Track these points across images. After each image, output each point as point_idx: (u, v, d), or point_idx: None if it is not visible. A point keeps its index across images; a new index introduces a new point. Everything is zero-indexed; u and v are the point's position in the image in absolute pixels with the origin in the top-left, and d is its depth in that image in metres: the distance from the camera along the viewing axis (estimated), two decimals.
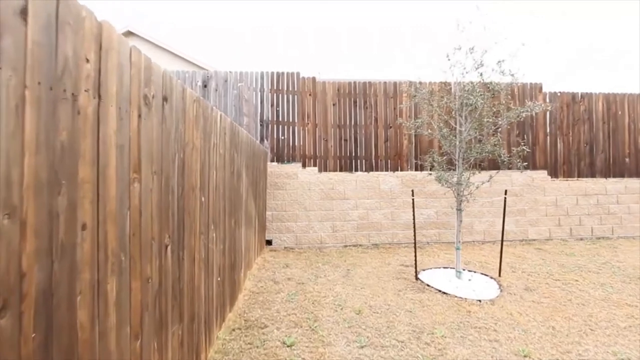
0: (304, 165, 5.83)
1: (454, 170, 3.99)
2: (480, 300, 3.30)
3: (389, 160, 6.08)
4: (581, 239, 6.36)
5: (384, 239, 5.81)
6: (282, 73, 5.91)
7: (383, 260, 4.76)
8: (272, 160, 5.79)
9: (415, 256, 4.03)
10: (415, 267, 3.99)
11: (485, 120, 3.72)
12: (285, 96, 5.90)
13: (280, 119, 5.87)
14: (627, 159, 6.83)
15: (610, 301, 3.36)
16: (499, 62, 3.64)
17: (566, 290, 3.66)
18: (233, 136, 2.90)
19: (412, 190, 4.11)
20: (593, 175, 6.71)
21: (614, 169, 6.78)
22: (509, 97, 5.58)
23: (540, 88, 6.44)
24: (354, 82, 6.05)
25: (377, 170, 6.02)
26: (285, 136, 5.89)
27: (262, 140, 5.80)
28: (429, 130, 4.11)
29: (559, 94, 6.40)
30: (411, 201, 5.94)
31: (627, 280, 4.00)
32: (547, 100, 6.46)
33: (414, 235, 4.07)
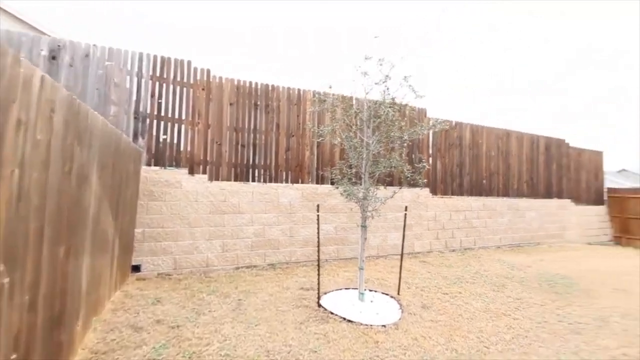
0: (191, 172, 4.87)
1: (360, 184, 3.79)
2: (385, 326, 3.06)
3: (289, 171, 5.64)
4: (453, 251, 7.15)
5: (281, 257, 5.27)
6: (169, 59, 4.87)
7: (281, 284, 4.20)
8: (148, 164, 4.63)
9: (319, 280, 3.61)
10: (318, 292, 3.57)
11: (392, 134, 3.63)
12: (171, 87, 4.87)
13: (164, 113, 4.79)
14: (484, 181, 8.11)
15: (490, 312, 3.59)
16: (405, 77, 3.62)
17: (455, 304, 3.80)
18: (73, 119, 1.94)
19: (318, 205, 3.72)
20: (462, 194, 7.71)
21: (476, 189, 7.95)
22: (404, 117, 5.89)
23: (425, 113, 7.10)
24: (256, 83, 5.46)
25: (276, 181, 5.50)
26: (169, 135, 4.83)
27: (135, 137, 4.60)
28: (338, 139, 3.83)
29: (438, 122, 7.14)
30: (311, 216, 5.64)
31: (496, 289, 4.46)
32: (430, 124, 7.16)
33: (318, 254, 3.66)
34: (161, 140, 4.77)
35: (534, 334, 3.05)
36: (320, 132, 3.88)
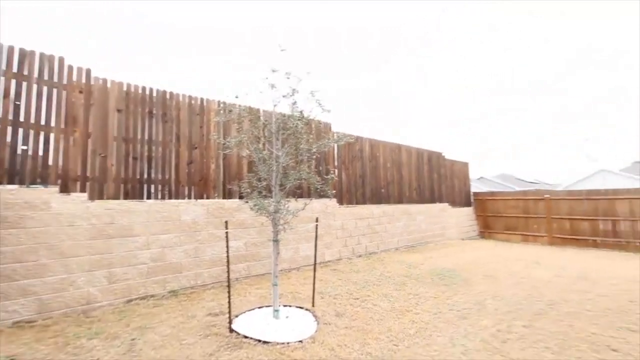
0: (64, 190, 4.00)
1: (270, 197, 3.69)
2: (301, 341, 2.99)
3: (192, 186, 5.17)
4: (360, 256, 7.60)
5: (184, 282, 4.73)
6: (32, 52, 3.98)
7: (185, 313, 3.74)
8: None
9: (230, 301, 3.33)
10: (230, 315, 3.29)
11: (301, 146, 3.67)
12: (35, 87, 3.96)
13: (23, 119, 3.85)
14: (383, 190, 8.93)
15: (395, 310, 3.88)
16: (312, 92, 3.72)
17: (365, 307, 3.99)
18: None
19: (226, 222, 3.46)
20: (365, 202, 8.32)
21: (376, 197, 8.69)
22: (312, 130, 6.05)
23: (330, 127, 7.47)
24: (150, 89, 4.88)
25: (177, 197, 4.97)
26: (32, 146, 3.89)
27: None
28: (247, 151, 3.67)
29: (343, 135, 7.57)
30: (218, 233, 5.24)
31: (398, 288, 4.87)
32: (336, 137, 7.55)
33: (228, 274, 3.39)
34: (19, 151, 3.81)
35: (433, 325, 3.40)
36: (227, 143, 3.67)
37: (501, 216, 12.09)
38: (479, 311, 3.82)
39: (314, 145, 3.79)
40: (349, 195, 7.91)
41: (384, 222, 8.62)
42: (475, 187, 16.92)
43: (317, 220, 4.29)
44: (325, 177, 4.14)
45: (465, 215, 12.25)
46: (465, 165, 12.70)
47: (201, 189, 5.27)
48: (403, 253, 8.23)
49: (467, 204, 12.60)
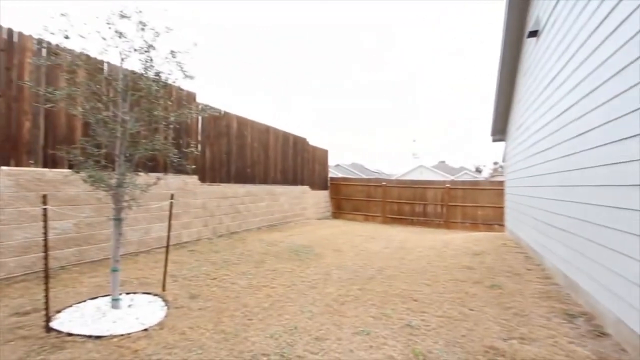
0: None
1: (113, 169, 3.11)
2: (147, 329, 2.71)
3: None
4: (221, 236, 7.40)
5: None
6: None
7: None
8: None
9: (47, 294, 2.68)
10: (47, 312, 2.65)
11: (156, 113, 3.21)
12: None
13: None
14: (248, 170, 8.89)
15: (253, 287, 3.99)
16: (172, 52, 3.28)
17: (222, 287, 3.94)
18: None
19: (45, 196, 2.71)
20: (229, 181, 8.09)
21: (241, 177, 8.58)
22: (171, 97, 5.38)
23: (195, 97, 6.84)
24: None
25: None
26: None
27: None
28: (81, 109, 2.95)
29: (212, 108, 7.01)
30: (33, 212, 4.07)
31: (257, 265, 5.01)
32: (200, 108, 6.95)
33: (46, 261, 2.70)
34: None
35: (286, 297, 3.66)
36: (50, 95, 2.86)
37: (350, 199, 13.95)
38: (325, 280, 4.34)
39: (173, 114, 3.38)
40: (212, 172, 7.52)
41: (247, 202, 8.62)
42: (332, 173, 18.85)
43: (172, 198, 3.90)
44: (185, 150, 3.78)
45: (322, 197, 13.56)
46: (325, 152, 13.96)
47: (7, 153, 3.97)
48: (265, 232, 8.47)
49: (325, 187, 13.96)
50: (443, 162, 45.69)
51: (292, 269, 4.89)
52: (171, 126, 3.63)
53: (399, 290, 3.95)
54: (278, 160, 10.39)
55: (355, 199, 13.81)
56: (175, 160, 3.43)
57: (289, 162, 11.03)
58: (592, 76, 3.30)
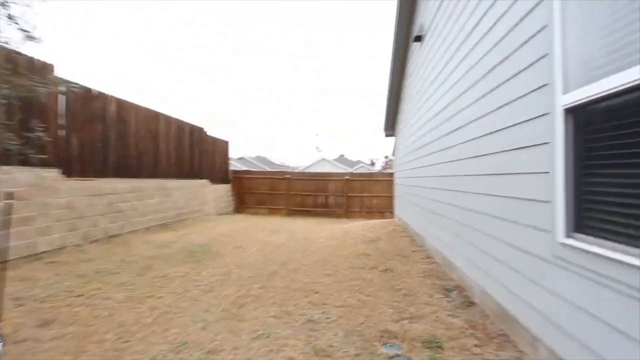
0: None
1: None
2: None
3: None
4: (96, 241, 6.19)
5: None
6: None
7: None
8: None
9: None
10: None
11: None
12: None
13: None
14: (132, 161, 7.67)
15: (134, 299, 3.38)
16: (2, 3, 2.45)
17: (91, 305, 3.22)
18: None
19: None
20: (106, 175, 6.82)
21: (123, 170, 7.34)
22: (13, 66, 4.14)
23: (53, 68, 5.46)
24: None
25: None
26: None
27: None
28: None
29: (75, 85, 5.69)
30: None
31: (142, 273, 4.32)
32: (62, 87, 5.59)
33: None
34: None
35: (175, 307, 3.21)
36: None
37: (254, 193, 13.55)
38: (224, 281, 4.00)
39: (4, 85, 2.53)
40: (82, 165, 6.20)
41: (131, 199, 7.44)
42: (236, 166, 17.99)
43: (11, 197, 2.98)
44: (30, 136, 2.92)
45: (223, 192, 12.79)
46: (226, 143, 13.17)
47: None
48: (155, 233, 7.48)
49: (227, 180, 13.20)
50: (343, 155, 48.80)
51: (186, 272, 4.37)
52: (8, 101, 2.74)
53: (301, 284, 3.90)
54: (172, 151, 9.28)
55: (259, 192, 13.46)
56: (11, 148, 2.60)
57: (184, 153, 9.98)
58: (465, 77, 3.78)
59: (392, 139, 11.18)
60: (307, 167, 38.54)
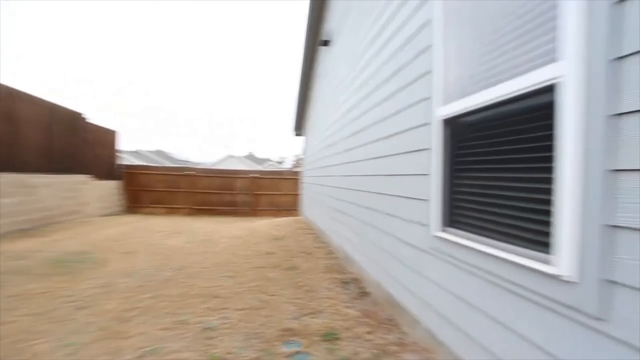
0: None
1: None
2: None
3: None
4: None
5: None
6: None
7: None
8: None
9: None
10: None
11: None
12: None
13: None
14: None
15: None
16: None
17: None
18: None
19: None
20: None
21: None
22: None
23: None
24: None
25: None
26: None
27: None
28: None
29: None
30: None
31: None
32: None
33: None
34: None
35: (34, 331, 2.61)
36: None
37: (151, 190, 12.17)
38: (106, 294, 3.45)
39: None
40: None
41: None
42: (129, 160, 15.82)
43: None
44: None
45: (111, 189, 11.13)
46: (113, 133, 11.48)
47: None
48: (12, 240, 6.02)
49: (116, 176, 11.51)
50: (251, 153, 47.78)
51: (53, 287, 3.62)
52: None
53: (199, 290, 3.63)
54: (39, 139, 7.59)
55: (156, 190, 12.12)
56: None
57: (58, 143, 8.29)
58: (368, 83, 4.07)
59: (302, 138, 11.41)
60: (215, 164, 36.52)
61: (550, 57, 1.36)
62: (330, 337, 2.56)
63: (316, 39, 7.73)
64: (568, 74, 1.27)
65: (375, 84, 3.66)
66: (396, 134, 3.04)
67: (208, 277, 4.10)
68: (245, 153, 46.40)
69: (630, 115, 1.11)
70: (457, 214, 2.09)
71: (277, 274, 4.21)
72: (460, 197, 2.07)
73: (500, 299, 1.64)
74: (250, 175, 12.77)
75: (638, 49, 1.08)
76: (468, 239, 1.90)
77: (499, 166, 1.73)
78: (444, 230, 2.17)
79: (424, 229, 2.39)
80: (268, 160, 46.94)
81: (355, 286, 3.76)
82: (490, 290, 1.71)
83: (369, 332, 2.65)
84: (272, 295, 3.48)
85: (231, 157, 38.06)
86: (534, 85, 1.43)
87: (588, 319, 1.20)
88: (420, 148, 2.51)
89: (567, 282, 1.27)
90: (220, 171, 13.24)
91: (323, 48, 7.14)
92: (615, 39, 1.14)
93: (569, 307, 1.27)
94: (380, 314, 3.00)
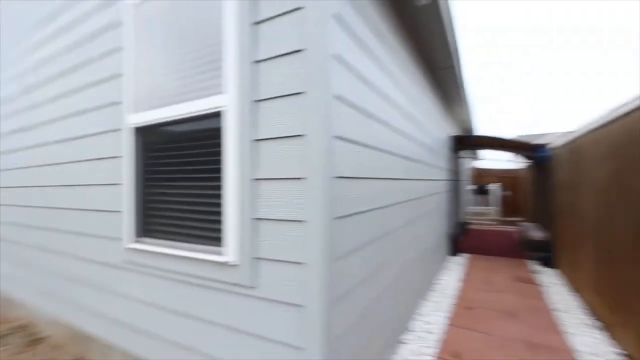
0: None
1: None
2: None
3: None
4: None
5: None
6: None
7: None
8: None
9: None
10: None
11: None
12: None
13: None
14: None
15: None
16: None
17: None
18: None
19: None
20: None
21: None
22: None
23: None
24: None
25: None
26: None
27: None
28: None
29: None
30: None
31: None
32: None
33: None
34: None
35: None
36: None
37: None
38: None
39: None
40: None
41: None
42: None
43: None
44: None
45: None
46: None
47: None
48: None
49: None
50: None
51: None
52: None
53: None
54: None
55: None
56: None
57: None
58: (34, 69, 3.14)
59: None
60: None
61: (218, 88, 1.70)
62: None
63: None
64: (229, 105, 1.65)
65: (53, 71, 2.93)
66: (84, 136, 2.59)
67: None
68: None
69: (266, 141, 1.60)
70: (150, 222, 2.10)
71: None
72: (153, 206, 2.09)
73: (188, 294, 1.83)
74: None
75: (270, 96, 1.58)
76: (160, 245, 1.96)
77: (182, 176, 1.92)
78: (137, 241, 2.11)
79: (117, 243, 2.21)
80: None
81: (23, 335, 2.81)
82: (180, 289, 1.86)
83: None
84: None
85: None
86: (208, 109, 1.74)
87: (245, 289, 1.61)
88: (112, 155, 2.30)
89: (233, 265, 1.63)
90: None
91: None
92: (254, 86, 1.61)
93: (234, 284, 1.64)
94: (64, 357, 2.42)
